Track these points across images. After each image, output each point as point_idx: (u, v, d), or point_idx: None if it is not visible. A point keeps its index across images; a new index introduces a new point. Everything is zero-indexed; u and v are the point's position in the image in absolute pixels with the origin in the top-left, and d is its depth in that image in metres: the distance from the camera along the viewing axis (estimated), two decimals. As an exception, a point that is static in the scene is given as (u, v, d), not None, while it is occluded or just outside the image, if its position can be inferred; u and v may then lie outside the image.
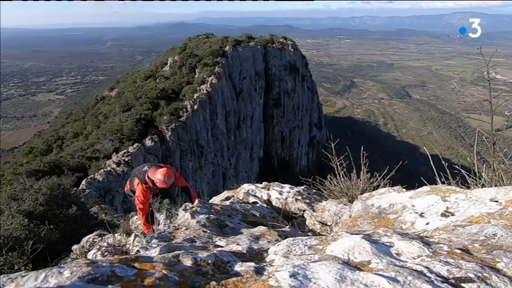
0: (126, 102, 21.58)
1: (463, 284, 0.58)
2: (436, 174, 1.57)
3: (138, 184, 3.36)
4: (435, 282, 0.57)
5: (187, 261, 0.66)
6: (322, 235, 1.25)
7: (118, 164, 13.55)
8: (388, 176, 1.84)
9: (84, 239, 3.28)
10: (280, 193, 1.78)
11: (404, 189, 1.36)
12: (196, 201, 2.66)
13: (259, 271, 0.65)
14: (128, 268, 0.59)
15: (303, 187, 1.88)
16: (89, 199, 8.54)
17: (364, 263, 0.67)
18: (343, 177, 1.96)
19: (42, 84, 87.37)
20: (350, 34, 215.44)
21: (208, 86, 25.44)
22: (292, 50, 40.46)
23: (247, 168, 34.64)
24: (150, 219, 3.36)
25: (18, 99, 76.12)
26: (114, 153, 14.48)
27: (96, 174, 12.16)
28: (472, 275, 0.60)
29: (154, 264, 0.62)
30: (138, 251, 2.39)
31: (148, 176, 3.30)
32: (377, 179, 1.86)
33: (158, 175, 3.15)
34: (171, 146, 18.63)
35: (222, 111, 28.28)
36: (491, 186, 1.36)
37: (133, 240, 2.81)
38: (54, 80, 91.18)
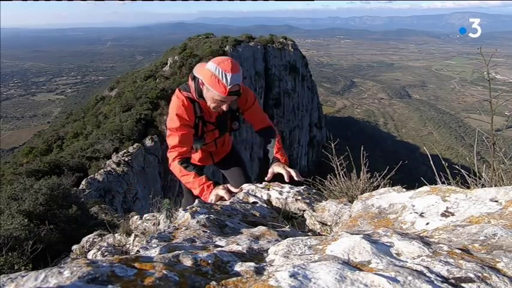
0: (126, 102, 21.58)
1: (463, 284, 0.58)
2: (436, 174, 1.56)
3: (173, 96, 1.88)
4: (435, 282, 0.57)
5: (187, 261, 0.66)
6: (322, 235, 1.25)
7: (118, 164, 13.54)
8: (388, 176, 1.84)
9: (84, 239, 3.28)
10: (280, 193, 1.78)
11: (404, 189, 1.36)
12: (196, 201, 2.16)
13: (259, 271, 0.65)
14: (128, 268, 0.59)
15: (303, 187, 1.88)
16: (89, 199, 8.54)
17: (364, 263, 0.67)
18: (343, 177, 1.95)
19: (42, 84, 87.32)
20: (350, 34, 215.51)
21: (208, 86, 25.43)
22: (292, 50, 40.46)
23: (247, 168, 34.60)
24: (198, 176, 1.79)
25: (18, 99, 76.07)
26: (114, 153, 14.47)
27: (96, 174, 12.15)
28: (472, 275, 0.60)
29: (155, 264, 0.62)
30: (138, 251, 2.38)
31: (193, 76, 1.81)
32: (377, 179, 1.86)
33: (209, 64, 1.67)
34: (171, 146, 18.59)
35: (222, 111, 28.24)
36: (491, 186, 1.36)
37: (133, 240, 2.80)
38: (54, 80, 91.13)
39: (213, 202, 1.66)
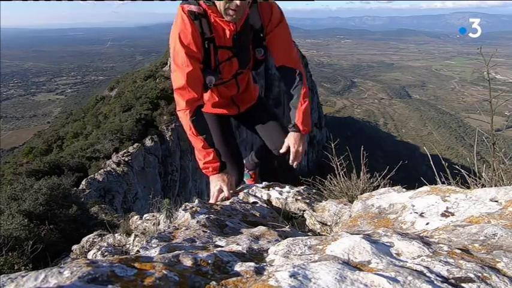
0: (126, 102, 21.59)
1: (463, 284, 0.58)
2: (436, 174, 1.56)
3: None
4: (435, 282, 0.57)
5: (187, 261, 0.66)
6: (322, 235, 1.25)
7: (118, 164, 13.55)
8: (388, 176, 1.84)
9: (84, 239, 3.28)
10: (280, 193, 1.78)
11: (404, 189, 1.36)
12: (196, 201, 2.07)
13: (259, 271, 0.65)
14: (128, 268, 0.59)
15: (303, 187, 1.87)
16: (89, 199, 8.55)
17: (364, 263, 0.67)
18: (343, 177, 1.95)
19: (42, 84, 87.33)
20: (350, 34, 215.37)
21: (208, 86, 25.42)
22: (292, 50, 40.48)
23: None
24: (208, 139, 1.56)
25: (18, 99, 76.09)
26: (114, 153, 14.48)
27: (96, 174, 12.16)
28: (472, 275, 0.60)
29: (155, 264, 0.62)
30: (138, 251, 2.38)
31: None
32: (377, 179, 1.85)
33: None
34: (171, 146, 18.63)
35: (222, 111, 28.24)
36: (491, 186, 1.36)
37: (134, 240, 2.81)
38: (54, 80, 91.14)
39: (213, 202, 1.66)
